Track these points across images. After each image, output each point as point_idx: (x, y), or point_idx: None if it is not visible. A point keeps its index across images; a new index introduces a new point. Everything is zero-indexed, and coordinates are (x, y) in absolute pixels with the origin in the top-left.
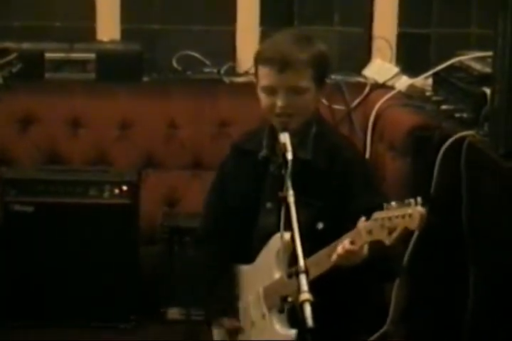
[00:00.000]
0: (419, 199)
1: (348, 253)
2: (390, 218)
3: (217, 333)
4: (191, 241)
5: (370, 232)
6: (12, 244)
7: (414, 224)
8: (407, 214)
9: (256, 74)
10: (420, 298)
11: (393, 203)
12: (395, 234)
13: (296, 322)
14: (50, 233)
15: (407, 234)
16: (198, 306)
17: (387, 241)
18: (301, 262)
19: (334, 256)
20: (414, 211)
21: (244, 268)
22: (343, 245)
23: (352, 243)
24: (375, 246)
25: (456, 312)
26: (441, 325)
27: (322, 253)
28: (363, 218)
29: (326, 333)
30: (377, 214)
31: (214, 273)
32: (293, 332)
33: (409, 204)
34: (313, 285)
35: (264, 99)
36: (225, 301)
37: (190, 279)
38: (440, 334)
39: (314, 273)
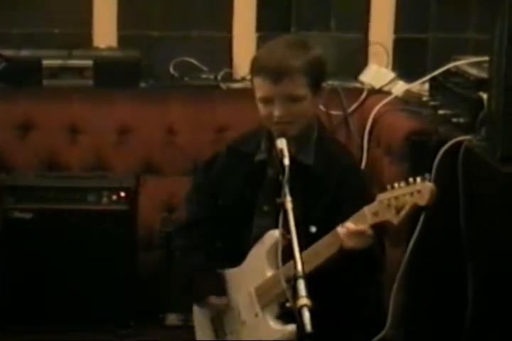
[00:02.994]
0: (427, 175)
1: (354, 234)
2: (396, 197)
3: (197, 311)
4: (174, 232)
5: (375, 214)
6: (11, 251)
7: (424, 199)
8: (415, 190)
9: (252, 84)
10: (419, 302)
11: (396, 184)
12: (403, 212)
13: (289, 322)
14: (48, 239)
15: (416, 211)
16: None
17: (395, 221)
18: (299, 267)
19: (340, 238)
20: (424, 187)
21: (232, 271)
22: (348, 226)
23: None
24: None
25: (455, 316)
26: (441, 329)
27: (322, 242)
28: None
29: (324, 338)
30: (381, 196)
31: (199, 259)
32: (292, 327)
33: (415, 182)
34: (310, 289)
35: (261, 108)
36: (212, 282)
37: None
38: (439, 339)
39: (316, 262)
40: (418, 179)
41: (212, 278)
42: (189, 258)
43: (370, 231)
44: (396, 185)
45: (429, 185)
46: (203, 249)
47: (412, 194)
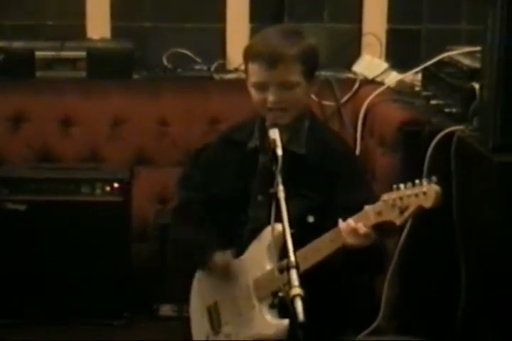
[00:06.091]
0: (433, 177)
1: (355, 231)
2: (401, 198)
3: (194, 299)
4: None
5: (379, 213)
6: (4, 243)
7: (429, 201)
8: (421, 192)
9: (246, 70)
10: (412, 293)
11: (401, 185)
12: (407, 213)
13: (287, 316)
14: (42, 231)
15: (419, 212)
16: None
17: (398, 221)
18: (292, 257)
19: (342, 236)
20: (429, 189)
21: (233, 261)
22: (350, 223)
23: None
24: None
25: (448, 307)
26: (433, 320)
27: (323, 238)
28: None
29: (316, 328)
30: (386, 196)
31: (196, 228)
32: (286, 322)
33: (421, 184)
34: (303, 280)
35: (255, 94)
36: (212, 237)
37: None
38: (432, 330)
39: (315, 259)
40: (424, 181)
41: (212, 234)
42: (184, 227)
43: (371, 231)
44: (401, 185)
45: (435, 187)
46: (198, 222)
47: (417, 195)
